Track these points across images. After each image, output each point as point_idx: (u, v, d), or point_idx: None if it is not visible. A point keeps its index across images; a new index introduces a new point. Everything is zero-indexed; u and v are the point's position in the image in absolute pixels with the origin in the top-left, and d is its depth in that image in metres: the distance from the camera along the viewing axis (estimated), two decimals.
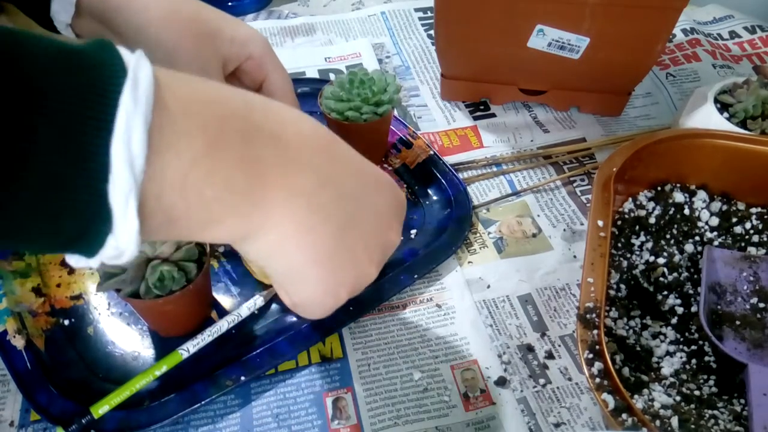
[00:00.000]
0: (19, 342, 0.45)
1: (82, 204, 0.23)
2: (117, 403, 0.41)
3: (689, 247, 0.50)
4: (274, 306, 0.50)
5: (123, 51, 0.24)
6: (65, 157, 0.21)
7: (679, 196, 0.52)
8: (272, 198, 0.29)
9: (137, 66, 0.23)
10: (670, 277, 0.48)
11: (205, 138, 0.26)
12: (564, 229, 0.56)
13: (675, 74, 0.73)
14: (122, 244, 0.24)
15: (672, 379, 0.42)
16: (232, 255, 0.53)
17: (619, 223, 0.51)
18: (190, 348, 0.44)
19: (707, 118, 0.54)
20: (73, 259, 0.25)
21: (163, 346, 0.47)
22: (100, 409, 0.41)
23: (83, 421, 0.41)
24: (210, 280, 0.48)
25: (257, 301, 0.48)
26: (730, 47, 0.77)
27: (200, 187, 0.26)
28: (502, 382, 0.46)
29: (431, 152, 0.60)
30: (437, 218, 0.56)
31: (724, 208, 0.52)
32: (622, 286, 0.47)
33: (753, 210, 0.51)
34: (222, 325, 0.46)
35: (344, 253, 0.33)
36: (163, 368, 0.43)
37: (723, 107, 0.56)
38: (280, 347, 0.46)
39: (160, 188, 0.24)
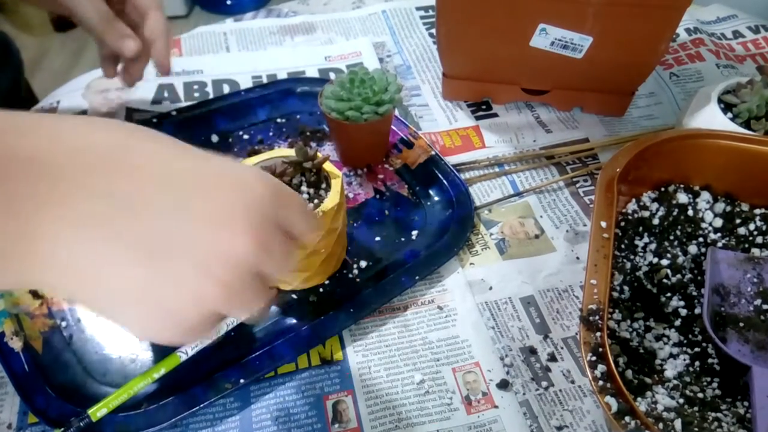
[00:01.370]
0: (16, 344, 0.45)
1: None
2: (115, 405, 0.40)
3: (693, 249, 0.49)
4: (273, 308, 0.49)
5: None
6: None
7: (682, 197, 0.51)
8: (49, 235, 0.25)
9: None
10: (673, 279, 0.47)
11: None
12: (567, 231, 0.56)
13: (678, 74, 0.72)
14: None
15: (675, 382, 0.42)
16: None
17: (622, 224, 0.50)
18: (188, 350, 0.43)
19: (711, 118, 0.54)
20: None
21: (161, 349, 0.47)
22: (98, 411, 0.40)
23: (81, 423, 0.40)
24: None
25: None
26: (733, 47, 0.76)
27: None
28: (504, 384, 0.45)
29: (433, 152, 0.60)
30: (439, 219, 0.56)
31: (728, 209, 0.51)
32: (626, 288, 0.47)
33: (757, 211, 0.51)
34: (221, 327, 0.45)
35: (164, 281, 0.27)
36: (161, 371, 0.42)
37: (727, 107, 0.55)
38: (280, 349, 0.46)
39: None
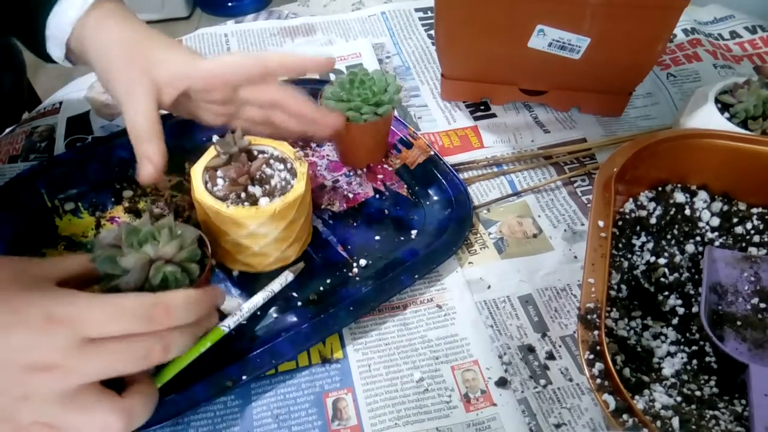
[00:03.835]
0: None
1: None
2: (166, 380, 0.41)
3: (690, 248, 0.50)
4: (273, 306, 0.50)
5: None
6: None
7: (680, 197, 0.52)
8: None
9: None
10: (671, 278, 0.48)
11: None
12: (565, 230, 0.56)
13: (676, 74, 0.72)
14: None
15: (673, 380, 0.42)
16: None
17: (619, 223, 0.51)
18: (230, 324, 0.45)
19: (708, 118, 0.54)
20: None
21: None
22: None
23: None
24: (210, 281, 0.48)
25: (287, 276, 0.49)
26: (730, 47, 0.77)
27: None
28: (502, 382, 0.46)
29: (432, 153, 0.60)
30: (438, 218, 0.56)
31: (725, 208, 0.51)
32: (623, 287, 0.47)
33: (754, 210, 0.51)
34: (257, 301, 0.47)
35: None
36: (207, 344, 0.43)
37: (724, 107, 0.56)
38: (281, 347, 0.46)
39: None
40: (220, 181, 0.48)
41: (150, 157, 0.46)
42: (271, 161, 0.50)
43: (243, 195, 0.47)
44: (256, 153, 0.50)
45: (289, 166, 0.50)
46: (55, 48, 0.47)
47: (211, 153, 0.49)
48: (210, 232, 0.49)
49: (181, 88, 0.47)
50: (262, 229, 0.47)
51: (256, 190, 0.48)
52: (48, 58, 0.49)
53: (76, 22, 0.46)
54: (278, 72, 0.50)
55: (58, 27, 0.46)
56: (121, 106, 0.46)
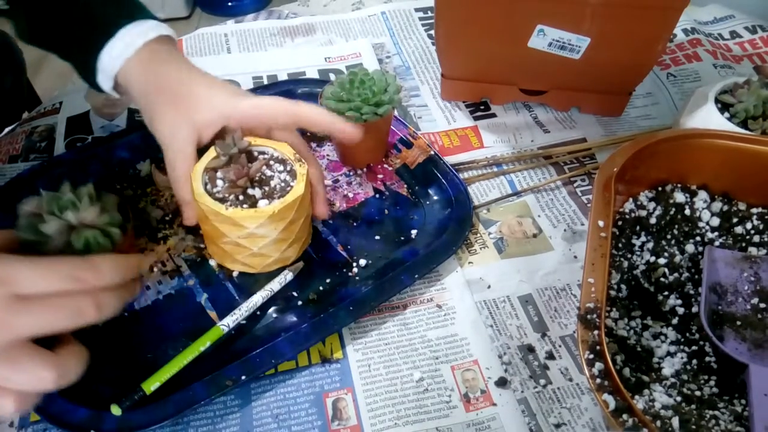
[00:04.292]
0: None
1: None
2: (166, 378, 0.43)
3: (690, 248, 0.50)
4: (273, 305, 0.50)
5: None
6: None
7: (679, 197, 0.52)
8: None
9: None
10: (670, 278, 0.48)
11: None
12: (564, 230, 0.56)
13: (676, 74, 0.72)
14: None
15: (673, 380, 0.42)
16: None
17: (619, 223, 0.51)
18: (229, 323, 0.46)
19: (708, 118, 0.54)
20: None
21: (162, 345, 0.47)
22: (152, 385, 0.42)
23: (136, 397, 0.42)
24: (135, 247, 0.50)
25: (287, 276, 0.50)
26: (730, 47, 0.77)
27: None
28: (502, 382, 0.46)
29: (432, 152, 0.60)
30: (438, 218, 0.56)
31: (725, 208, 0.51)
32: (623, 287, 0.47)
33: (754, 210, 0.51)
34: (256, 300, 0.48)
35: None
36: (206, 344, 0.44)
37: (724, 107, 0.56)
38: (280, 347, 0.46)
39: None
40: (219, 183, 0.48)
41: (188, 200, 0.48)
42: (271, 162, 0.50)
43: (242, 197, 0.47)
44: (256, 154, 0.50)
45: (288, 167, 0.50)
46: (104, 81, 0.50)
47: (211, 154, 0.49)
48: (209, 232, 0.49)
49: (220, 126, 0.49)
50: (261, 230, 0.47)
51: (255, 191, 0.48)
52: (98, 88, 0.51)
53: (125, 61, 0.48)
54: (306, 127, 0.53)
55: (109, 62, 0.49)
56: (163, 146, 0.49)
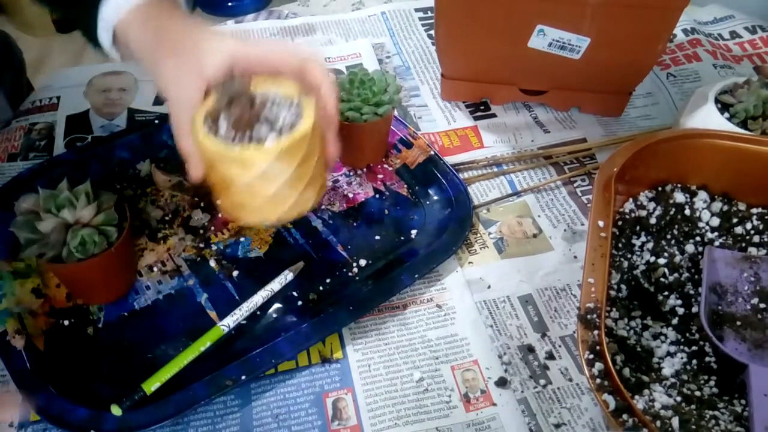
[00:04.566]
0: (18, 342, 0.45)
1: None
2: (167, 378, 0.43)
3: (690, 248, 0.50)
4: (274, 305, 0.50)
5: None
6: None
7: (679, 197, 0.52)
8: None
9: None
10: (670, 278, 0.48)
11: None
12: (564, 230, 0.56)
13: (676, 74, 0.72)
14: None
15: (673, 380, 0.42)
16: (232, 258, 0.53)
17: (619, 223, 0.51)
18: (229, 323, 0.45)
19: (708, 118, 0.54)
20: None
21: (162, 345, 0.47)
22: (152, 385, 0.42)
23: (136, 397, 0.42)
24: (132, 246, 0.49)
25: (287, 276, 0.49)
26: (730, 47, 0.77)
27: None
28: (502, 382, 0.46)
29: (432, 152, 0.60)
30: (438, 218, 0.56)
31: (725, 208, 0.51)
32: (623, 287, 0.47)
33: (754, 210, 0.51)
34: (257, 300, 0.47)
35: None
36: (207, 344, 0.44)
37: (724, 107, 0.56)
38: (280, 347, 0.46)
39: None
40: (223, 125, 0.43)
41: (194, 152, 0.45)
42: (277, 100, 0.45)
43: (249, 137, 0.43)
44: (259, 95, 0.45)
45: (296, 102, 0.45)
46: (104, 34, 0.48)
47: (210, 99, 0.44)
48: (218, 182, 0.45)
49: (226, 69, 0.46)
50: (274, 168, 0.42)
51: (262, 130, 0.43)
52: (99, 46, 0.49)
53: (126, 13, 0.46)
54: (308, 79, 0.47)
55: (110, 13, 0.47)
56: (167, 98, 0.46)
